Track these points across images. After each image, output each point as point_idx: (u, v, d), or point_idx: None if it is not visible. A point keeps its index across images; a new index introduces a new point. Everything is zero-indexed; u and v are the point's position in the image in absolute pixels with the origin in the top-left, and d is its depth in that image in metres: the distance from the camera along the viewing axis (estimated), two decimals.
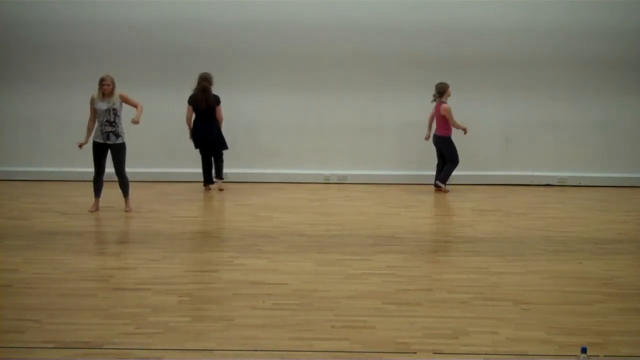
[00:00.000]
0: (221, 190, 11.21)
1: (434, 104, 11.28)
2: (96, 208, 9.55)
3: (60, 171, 12.01)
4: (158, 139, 12.02)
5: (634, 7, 11.87)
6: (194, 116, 11.13)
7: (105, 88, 9.33)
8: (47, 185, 11.53)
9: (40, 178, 11.90)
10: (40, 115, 12.07)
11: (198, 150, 11.31)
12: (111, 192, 9.85)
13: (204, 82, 10.95)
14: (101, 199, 9.64)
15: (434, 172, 11.80)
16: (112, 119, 9.38)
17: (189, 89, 11.24)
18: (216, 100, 11.03)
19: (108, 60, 11.58)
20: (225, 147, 11.25)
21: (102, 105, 9.35)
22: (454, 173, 11.61)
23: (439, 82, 11.23)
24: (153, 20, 11.86)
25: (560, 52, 11.95)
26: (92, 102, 9.41)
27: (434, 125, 11.39)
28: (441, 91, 11.14)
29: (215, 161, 11.34)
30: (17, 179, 11.84)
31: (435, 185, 11.34)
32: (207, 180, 11.34)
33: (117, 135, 9.43)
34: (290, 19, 11.88)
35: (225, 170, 11.85)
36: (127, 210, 9.56)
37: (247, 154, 12.11)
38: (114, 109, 9.37)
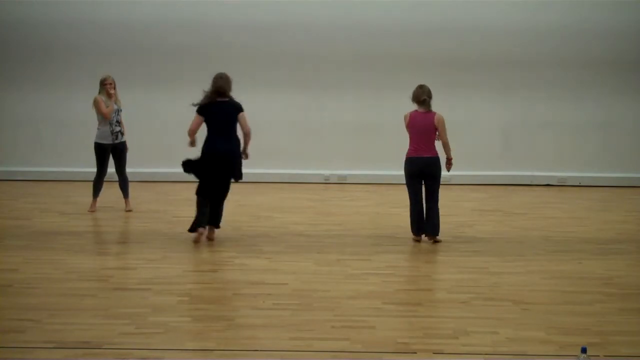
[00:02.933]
0: (211, 240, 8.14)
1: (410, 112, 8.58)
2: (95, 208, 9.56)
3: (60, 171, 12.01)
4: (158, 139, 12.01)
5: (634, 7, 11.87)
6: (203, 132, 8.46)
7: (109, 87, 9.37)
8: (47, 185, 11.53)
9: (40, 178, 11.89)
10: (40, 115, 12.07)
11: (198, 177, 8.22)
12: (111, 192, 9.84)
13: (221, 81, 8.39)
14: (100, 199, 9.64)
15: None
16: (119, 119, 9.51)
17: (188, 88, 11.22)
18: (237, 108, 8.26)
19: (108, 60, 11.58)
20: (241, 176, 8.24)
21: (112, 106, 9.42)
22: (454, 172, 11.62)
23: (420, 84, 8.58)
24: (153, 20, 11.86)
25: (560, 52, 11.96)
26: (102, 102, 9.35)
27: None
28: (430, 95, 8.42)
29: (219, 200, 8.20)
30: (17, 179, 11.84)
31: (434, 240, 8.18)
32: (200, 223, 8.00)
33: (122, 134, 9.53)
34: (290, 19, 11.89)
35: None
36: (129, 210, 9.56)
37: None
38: (119, 109, 9.47)
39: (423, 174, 8.27)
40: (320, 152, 12.18)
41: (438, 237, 8.13)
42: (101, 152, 9.46)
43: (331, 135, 12.16)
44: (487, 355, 5.09)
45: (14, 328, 5.47)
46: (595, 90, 12.06)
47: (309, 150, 12.17)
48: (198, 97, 13.03)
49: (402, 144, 12.09)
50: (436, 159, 8.21)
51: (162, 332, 5.43)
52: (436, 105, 12.35)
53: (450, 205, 10.44)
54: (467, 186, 11.75)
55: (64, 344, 5.17)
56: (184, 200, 10.56)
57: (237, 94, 11.91)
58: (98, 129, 9.46)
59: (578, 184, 12.07)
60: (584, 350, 4.54)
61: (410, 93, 11.96)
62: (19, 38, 11.89)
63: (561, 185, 12.05)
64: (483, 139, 12.17)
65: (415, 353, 5.13)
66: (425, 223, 8.15)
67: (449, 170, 8.40)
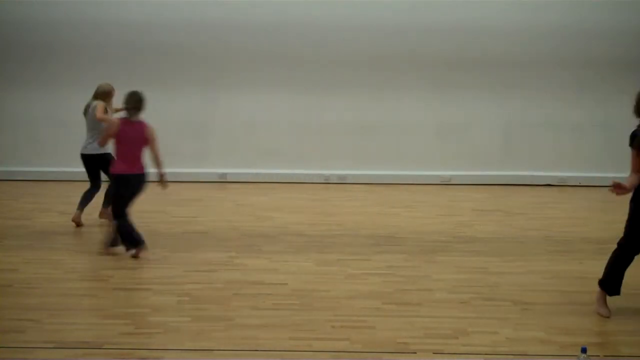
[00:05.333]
0: None
1: (119, 120, 7.48)
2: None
3: (60, 171, 12.00)
4: (158, 138, 11.99)
5: (634, 7, 11.87)
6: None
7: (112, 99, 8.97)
8: (47, 185, 11.52)
9: (40, 178, 11.88)
10: (40, 115, 12.06)
11: None
12: None
13: None
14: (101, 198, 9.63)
15: (433, 172, 11.84)
16: None
17: (188, 88, 11.22)
18: None
19: (108, 60, 11.59)
20: None
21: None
22: (454, 172, 11.65)
23: (133, 91, 7.46)
24: (153, 20, 11.86)
25: (560, 52, 11.95)
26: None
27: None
28: (139, 106, 7.40)
29: None
30: (17, 179, 11.83)
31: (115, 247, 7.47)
32: None
33: None
34: (290, 19, 11.88)
35: (225, 170, 11.84)
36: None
37: (247, 153, 12.10)
38: None
39: (136, 191, 7.42)
40: (320, 152, 12.17)
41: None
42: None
43: (331, 135, 12.15)
44: (487, 355, 5.09)
45: (14, 328, 5.47)
46: (595, 90, 12.05)
47: (309, 150, 12.17)
48: (198, 96, 13.08)
49: (402, 143, 12.17)
50: (144, 176, 7.41)
51: (162, 332, 5.44)
52: (436, 106, 12.46)
53: (450, 205, 10.45)
54: (467, 186, 11.74)
55: (64, 344, 5.17)
56: (184, 200, 10.56)
57: (237, 94, 11.99)
58: (96, 139, 8.54)
59: (578, 184, 12.06)
60: (584, 350, 4.54)
61: (412, 93, 12.13)
62: (19, 38, 11.89)
63: (561, 185, 12.04)
64: (483, 139, 12.16)
65: (415, 353, 5.13)
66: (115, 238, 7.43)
67: (164, 188, 7.58)
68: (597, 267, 7.19)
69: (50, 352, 5.05)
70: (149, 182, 7.46)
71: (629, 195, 6.35)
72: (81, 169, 11.44)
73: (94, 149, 8.68)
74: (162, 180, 7.55)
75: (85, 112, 8.92)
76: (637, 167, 6.37)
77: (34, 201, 10.34)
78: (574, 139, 12.18)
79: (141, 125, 7.40)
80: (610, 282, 6.04)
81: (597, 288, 6.40)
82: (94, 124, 8.72)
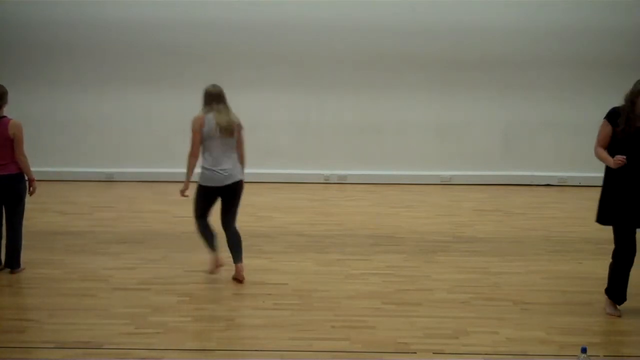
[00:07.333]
0: None
1: None
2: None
3: (59, 171, 12.01)
4: (158, 138, 12.01)
5: (634, 7, 11.87)
6: None
7: None
8: (46, 185, 11.50)
9: (40, 178, 11.80)
10: (40, 115, 12.06)
11: None
12: (112, 192, 9.84)
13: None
14: (100, 199, 9.63)
15: (433, 172, 11.85)
16: None
17: (188, 88, 11.19)
18: None
19: (108, 60, 11.59)
20: None
21: None
22: (454, 172, 11.63)
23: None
24: (153, 20, 11.86)
25: (560, 52, 11.95)
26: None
27: None
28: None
29: None
30: None
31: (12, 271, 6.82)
32: None
33: None
34: (290, 19, 11.88)
35: None
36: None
37: (247, 153, 12.09)
38: None
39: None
40: (320, 152, 12.17)
41: (18, 269, 6.84)
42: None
43: (331, 135, 12.15)
44: (487, 355, 5.09)
45: (14, 328, 5.47)
46: (595, 90, 12.04)
47: (309, 150, 12.17)
48: (198, 97, 13.08)
49: (402, 143, 12.16)
50: (17, 176, 6.77)
51: (162, 332, 5.44)
52: (436, 106, 12.46)
53: (450, 205, 10.45)
54: (467, 186, 11.74)
55: (64, 344, 5.18)
56: (184, 200, 10.54)
57: (238, 94, 11.95)
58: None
59: (578, 184, 12.06)
60: (584, 350, 4.54)
61: (412, 93, 12.12)
62: (19, 38, 11.88)
63: (561, 185, 12.05)
64: (483, 139, 12.16)
65: (415, 353, 5.13)
66: (5, 251, 6.89)
67: (31, 194, 6.98)
68: (597, 267, 7.22)
69: (50, 352, 5.05)
70: (19, 184, 6.81)
71: None
72: (80, 168, 11.48)
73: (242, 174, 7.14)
74: (30, 188, 6.90)
75: (226, 128, 7.24)
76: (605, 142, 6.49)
77: (34, 201, 10.28)
78: (574, 139, 12.17)
79: (4, 122, 6.82)
80: (614, 291, 5.99)
81: (597, 288, 6.41)
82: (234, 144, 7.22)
